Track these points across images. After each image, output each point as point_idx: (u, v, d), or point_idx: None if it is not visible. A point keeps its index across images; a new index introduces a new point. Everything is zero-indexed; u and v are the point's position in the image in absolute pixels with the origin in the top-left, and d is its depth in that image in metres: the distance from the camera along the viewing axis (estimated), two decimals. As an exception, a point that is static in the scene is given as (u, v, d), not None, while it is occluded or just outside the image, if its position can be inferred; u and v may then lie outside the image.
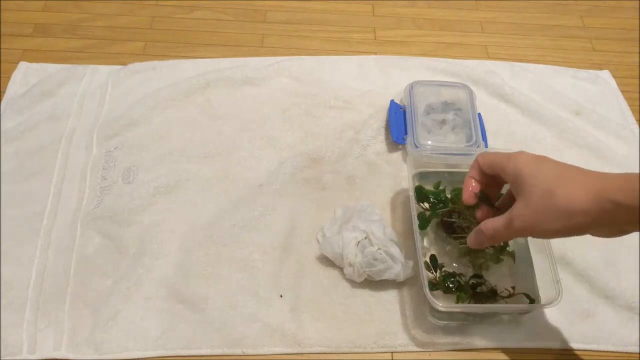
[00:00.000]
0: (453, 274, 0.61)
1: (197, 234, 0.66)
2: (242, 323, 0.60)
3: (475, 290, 0.60)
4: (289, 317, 0.61)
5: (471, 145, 0.72)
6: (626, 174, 0.43)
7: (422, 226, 0.64)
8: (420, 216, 0.64)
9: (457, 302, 0.59)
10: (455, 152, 0.71)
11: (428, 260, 0.61)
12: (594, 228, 0.45)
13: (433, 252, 0.65)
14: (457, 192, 0.64)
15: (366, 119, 0.79)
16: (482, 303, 0.60)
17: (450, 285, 0.60)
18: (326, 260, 0.64)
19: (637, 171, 0.42)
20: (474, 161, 0.55)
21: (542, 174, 0.47)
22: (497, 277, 0.62)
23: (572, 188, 0.45)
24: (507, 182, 0.52)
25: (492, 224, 0.51)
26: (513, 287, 0.60)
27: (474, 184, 0.55)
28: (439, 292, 0.60)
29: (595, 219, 0.44)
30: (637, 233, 0.67)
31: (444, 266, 0.62)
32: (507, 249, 0.63)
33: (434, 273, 0.61)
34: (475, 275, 0.62)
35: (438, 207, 0.65)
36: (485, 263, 0.62)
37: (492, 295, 0.60)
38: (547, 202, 0.45)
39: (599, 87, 0.87)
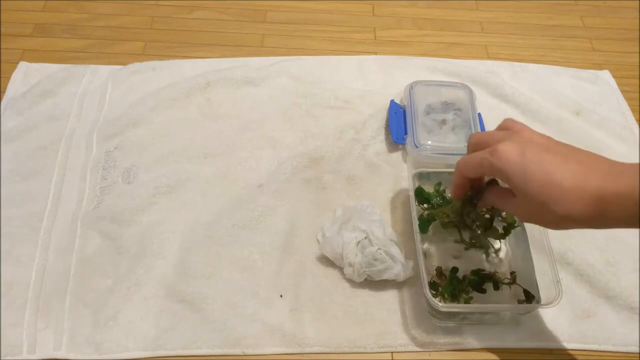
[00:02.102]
0: (455, 279, 0.61)
1: (197, 234, 0.66)
2: (242, 323, 0.60)
3: (475, 288, 0.60)
4: (289, 317, 0.60)
5: (471, 145, 0.72)
6: (622, 168, 0.42)
7: (423, 229, 0.64)
8: (421, 218, 0.64)
9: (457, 301, 0.59)
10: (455, 152, 0.71)
11: (435, 276, 0.62)
12: (585, 224, 0.44)
13: (433, 252, 0.65)
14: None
15: (366, 119, 0.79)
16: (482, 290, 0.60)
17: (453, 292, 0.60)
18: (326, 260, 0.64)
19: (635, 210, 0.41)
20: (455, 169, 0.52)
21: (530, 169, 0.43)
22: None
23: (565, 182, 0.42)
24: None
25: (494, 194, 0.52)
26: (512, 273, 0.61)
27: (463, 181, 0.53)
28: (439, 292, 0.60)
29: (589, 216, 0.42)
30: (637, 232, 0.68)
31: (446, 276, 0.62)
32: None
33: (440, 280, 0.61)
34: (475, 272, 0.62)
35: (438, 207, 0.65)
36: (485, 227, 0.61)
37: (492, 281, 0.61)
38: (541, 198, 0.43)
39: (599, 87, 0.87)
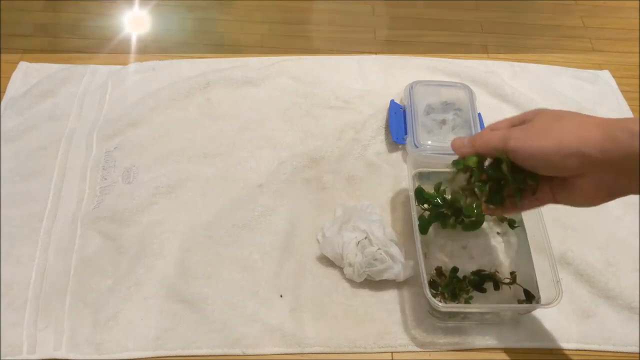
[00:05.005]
0: (455, 277, 0.61)
1: (197, 234, 0.66)
2: (242, 323, 0.60)
3: (475, 287, 0.60)
4: (289, 317, 0.61)
5: (471, 145, 0.72)
6: None
7: (423, 230, 0.64)
8: (421, 218, 0.64)
9: (457, 301, 0.59)
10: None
11: (435, 276, 0.62)
12: (590, 165, 0.42)
13: (433, 251, 0.65)
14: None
15: (366, 119, 0.79)
16: (482, 290, 0.60)
17: (453, 292, 0.60)
18: (326, 260, 0.64)
19: (637, 171, 0.41)
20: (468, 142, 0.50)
21: (558, 110, 0.45)
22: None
23: (584, 117, 0.43)
24: None
25: (489, 132, 0.48)
26: (512, 273, 0.61)
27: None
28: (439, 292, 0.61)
29: (600, 150, 0.40)
30: (637, 232, 0.68)
31: (446, 276, 0.62)
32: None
33: (440, 280, 0.61)
34: (476, 272, 0.62)
35: (438, 209, 0.65)
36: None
37: (492, 281, 0.61)
38: (552, 123, 0.43)
39: (599, 87, 0.87)
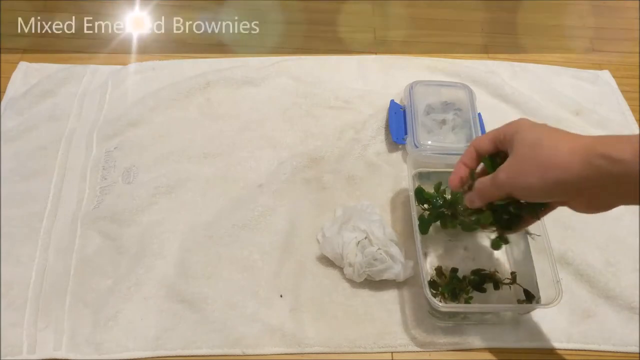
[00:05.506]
0: (455, 277, 0.61)
1: (197, 234, 0.66)
2: (242, 323, 0.60)
3: (475, 287, 0.60)
4: (289, 317, 0.61)
5: (471, 145, 0.72)
6: (621, 135, 0.41)
7: (423, 230, 0.64)
8: (421, 218, 0.64)
9: (457, 301, 0.59)
10: (455, 152, 0.71)
11: (435, 276, 0.62)
12: (575, 191, 0.43)
13: (433, 251, 0.65)
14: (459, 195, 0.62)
15: (366, 119, 0.79)
16: (482, 290, 0.60)
17: (453, 292, 0.60)
18: (326, 260, 0.64)
19: (637, 171, 0.40)
20: (467, 147, 0.53)
21: (536, 130, 0.46)
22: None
23: (560, 141, 0.43)
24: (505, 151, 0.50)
25: (481, 179, 0.50)
26: (513, 273, 0.61)
27: (463, 170, 0.53)
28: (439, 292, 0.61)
29: (580, 177, 0.41)
30: (637, 232, 0.68)
31: (446, 276, 0.62)
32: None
33: (440, 280, 0.61)
34: (476, 271, 0.62)
35: (438, 209, 0.65)
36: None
37: (492, 281, 0.61)
38: (531, 153, 0.44)
39: (599, 87, 0.87)
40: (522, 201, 0.51)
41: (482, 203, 0.52)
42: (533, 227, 0.64)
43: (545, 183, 0.43)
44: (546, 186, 0.43)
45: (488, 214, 0.53)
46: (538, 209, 0.52)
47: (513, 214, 0.52)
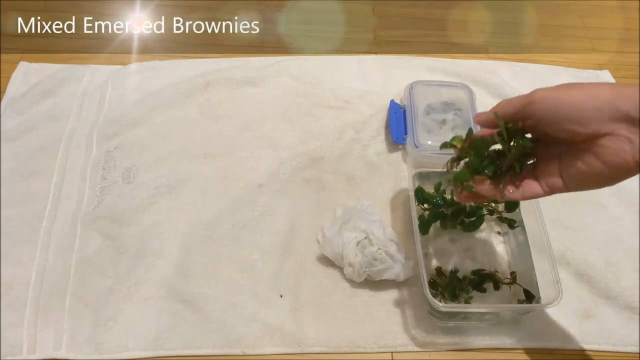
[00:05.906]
0: (455, 277, 0.61)
1: (197, 234, 0.66)
2: (242, 323, 0.60)
3: (475, 287, 0.60)
4: (289, 317, 0.61)
5: (471, 145, 0.72)
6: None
7: (423, 230, 0.64)
8: (421, 218, 0.64)
9: (457, 300, 0.59)
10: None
11: (435, 276, 0.62)
12: (618, 124, 0.39)
13: (433, 251, 0.65)
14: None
15: (366, 119, 0.79)
16: (482, 290, 0.60)
17: (453, 292, 0.60)
18: (326, 260, 0.64)
19: (637, 172, 0.40)
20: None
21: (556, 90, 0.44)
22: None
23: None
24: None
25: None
26: (512, 273, 0.61)
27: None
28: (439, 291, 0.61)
29: (634, 107, 0.38)
30: (637, 232, 0.68)
31: (446, 276, 0.62)
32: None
33: (440, 280, 0.61)
34: (476, 271, 0.62)
35: (438, 209, 0.65)
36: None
37: (492, 281, 0.61)
38: (575, 84, 0.42)
39: (599, 87, 0.87)
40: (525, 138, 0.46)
41: (491, 112, 0.48)
42: (533, 227, 0.64)
43: (594, 100, 0.40)
44: (595, 103, 0.40)
45: (459, 137, 0.50)
46: (524, 160, 0.48)
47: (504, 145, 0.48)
